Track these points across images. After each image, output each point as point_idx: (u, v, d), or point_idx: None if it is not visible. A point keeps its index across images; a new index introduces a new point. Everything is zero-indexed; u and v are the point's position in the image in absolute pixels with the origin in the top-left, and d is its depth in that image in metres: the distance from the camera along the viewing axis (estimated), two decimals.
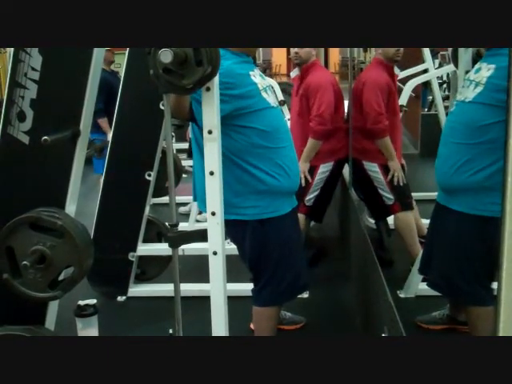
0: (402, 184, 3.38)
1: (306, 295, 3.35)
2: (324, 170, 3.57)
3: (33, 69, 2.01)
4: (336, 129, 3.57)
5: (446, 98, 5.88)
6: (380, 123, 3.32)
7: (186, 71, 1.55)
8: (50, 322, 2.22)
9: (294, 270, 2.42)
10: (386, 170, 3.42)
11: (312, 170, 3.53)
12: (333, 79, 3.66)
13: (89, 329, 2.58)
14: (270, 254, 2.34)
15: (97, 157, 4.39)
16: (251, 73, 2.25)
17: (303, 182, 3.40)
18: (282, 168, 2.26)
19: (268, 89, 2.32)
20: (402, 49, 3.38)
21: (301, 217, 3.52)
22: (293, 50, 3.54)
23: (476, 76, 2.21)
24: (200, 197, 2.31)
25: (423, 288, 3.12)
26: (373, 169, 3.47)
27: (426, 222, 3.72)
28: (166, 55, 1.50)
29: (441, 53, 7.40)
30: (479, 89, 2.16)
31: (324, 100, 3.41)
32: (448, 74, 6.71)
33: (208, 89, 1.64)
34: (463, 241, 2.29)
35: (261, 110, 2.22)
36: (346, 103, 3.76)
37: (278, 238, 2.35)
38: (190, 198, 4.98)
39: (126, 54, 3.27)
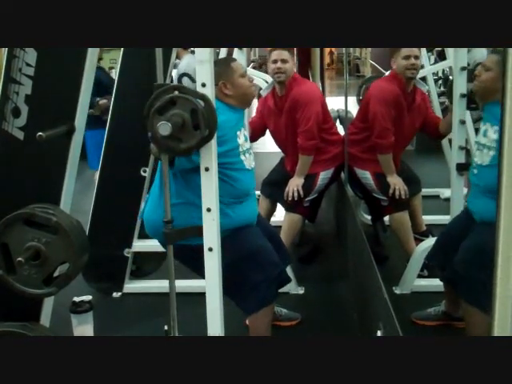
0: (402, 195, 3.36)
1: (301, 291, 3.35)
2: (325, 176, 3.57)
3: (27, 64, 2.00)
4: (333, 138, 3.57)
5: (441, 94, 5.89)
6: (385, 139, 3.29)
7: (184, 136, 1.57)
8: (46, 319, 2.21)
9: (273, 268, 2.43)
10: (377, 176, 3.43)
11: (312, 178, 3.52)
12: (318, 90, 3.64)
13: (84, 325, 2.58)
14: (236, 267, 2.34)
15: (102, 116, 4.37)
16: (238, 133, 2.38)
17: (295, 196, 3.42)
18: (241, 211, 2.42)
19: (247, 151, 2.45)
20: (415, 64, 3.26)
21: (297, 217, 3.53)
22: (274, 66, 3.37)
23: (486, 140, 2.39)
24: (150, 221, 2.47)
25: (419, 284, 3.14)
26: (364, 175, 3.49)
27: (423, 217, 3.75)
28: (164, 128, 1.53)
29: (436, 49, 7.40)
30: (492, 152, 2.34)
31: (312, 114, 3.36)
32: (443, 70, 6.73)
33: (203, 85, 1.64)
34: (489, 243, 2.29)
35: (236, 170, 2.36)
36: (339, 99, 3.75)
37: (237, 249, 2.36)
38: None
39: (121, 50, 3.27)
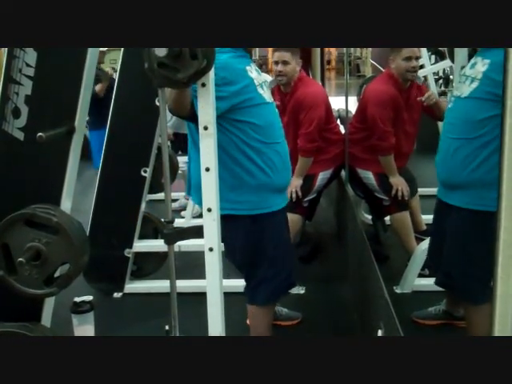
0: (405, 196, 3.36)
1: (302, 291, 3.35)
2: (323, 176, 3.58)
3: (27, 65, 2.00)
4: (335, 138, 3.57)
5: (442, 94, 5.89)
6: (385, 141, 3.29)
7: (181, 65, 1.54)
8: (46, 319, 2.21)
9: (288, 266, 2.42)
10: (379, 176, 3.43)
11: (311, 178, 3.53)
12: (324, 93, 3.63)
13: (85, 325, 2.57)
14: (264, 251, 2.34)
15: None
16: (248, 68, 2.26)
17: (293, 196, 3.41)
18: (274, 163, 2.27)
19: (264, 84, 2.33)
20: (416, 67, 3.24)
21: (298, 217, 3.53)
22: (275, 69, 3.34)
23: (472, 71, 2.22)
24: (195, 191, 2.31)
25: (419, 283, 3.13)
26: (366, 175, 3.50)
27: (424, 217, 3.75)
28: (160, 49, 1.50)
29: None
30: (475, 84, 2.17)
31: (315, 117, 3.35)
32: (444, 70, 6.74)
33: (203, 84, 1.63)
34: (464, 237, 2.29)
35: (256, 106, 2.23)
36: (340, 99, 3.75)
37: (272, 235, 2.35)
38: (181, 194, 5.03)
39: (122, 50, 3.27)
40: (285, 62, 3.30)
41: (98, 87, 5.44)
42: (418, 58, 3.25)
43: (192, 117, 2.02)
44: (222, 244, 1.81)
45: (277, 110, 2.44)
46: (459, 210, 2.26)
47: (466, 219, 2.26)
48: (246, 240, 2.31)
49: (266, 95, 2.31)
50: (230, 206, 2.22)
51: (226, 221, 2.21)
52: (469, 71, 2.25)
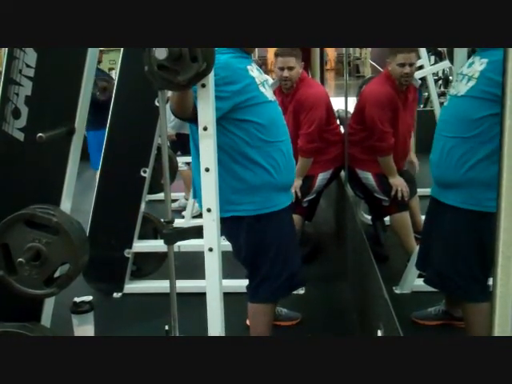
0: (405, 197, 3.37)
1: (301, 291, 3.35)
2: (323, 177, 3.59)
3: (27, 66, 2.00)
4: (335, 139, 3.57)
5: (441, 95, 5.89)
6: (385, 141, 3.30)
7: (181, 67, 1.55)
8: (46, 319, 2.21)
9: (291, 265, 2.42)
10: (379, 177, 3.44)
11: (311, 179, 3.53)
12: (325, 93, 3.62)
13: (85, 325, 2.58)
14: (267, 250, 2.34)
15: (99, 97, 4.43)
16: (249, 67, 2.26)
17: (293, 196, 3.41)
18: (277, 162, 2.27)
19: (265, 83, 2.34)
20: (409, 72, 3.25)
21: (297, 217, 3.54)
22: (281, 74, 3.33)
23: (469, 70, 2.23)
24: (199, 195, 2.31)
25: (419, 284, 3.13)
26: (366, 176, 3.50)
27: (424, 217, 3.75)
28: (160, 52, 1.50)
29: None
30: (472, 83, 2.17)
31: (315, 118, 3.36)
32: (444, 71, 6.74)
33: (203, 85, 1.64)
34: (457, 236, 2.29)
35: (258, 104, 2.23)
36: (339, 100, 3.74)
37: (275, 234, 2.35)
38: (181, 194, 5.04)
39: (121, 51, 3.27)
40: (290, 68, 3.30)
41: (104, 96, 5.28)
42: (412, 64, 3.26)
43: (195, 119, 2.03)
44: (222, 244, 1.81)
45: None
46: (454, 209, 2.27)
47: (460, 218, 2.27)
48: (249, 239, 2.32)
49: (268, 94, 2.31)
50: (234, 207, 2.22)
51: (231, 222, 2.22)
52: (466, 70, 2.26)
